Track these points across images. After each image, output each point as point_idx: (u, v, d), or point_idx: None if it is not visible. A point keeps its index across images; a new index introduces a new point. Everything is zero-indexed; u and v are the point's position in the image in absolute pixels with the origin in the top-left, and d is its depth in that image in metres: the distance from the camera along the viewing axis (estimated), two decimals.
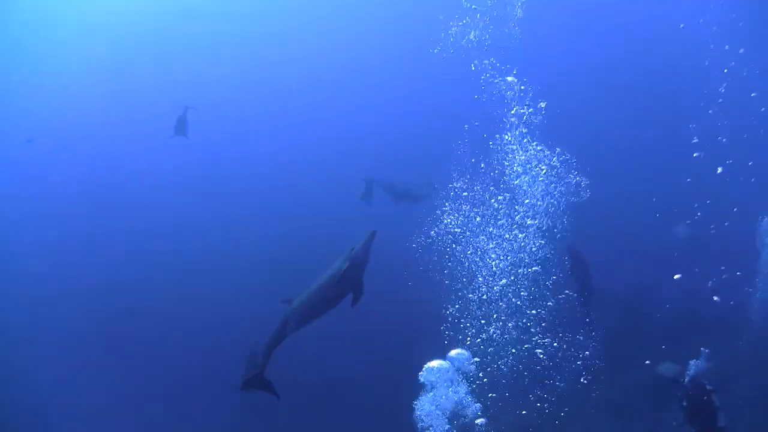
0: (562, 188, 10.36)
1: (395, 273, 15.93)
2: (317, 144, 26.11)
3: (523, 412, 12.91)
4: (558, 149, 10.27)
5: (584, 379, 11.90)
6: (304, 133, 27.21)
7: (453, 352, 9.32)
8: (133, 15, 27.34)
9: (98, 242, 23.02)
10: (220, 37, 27.93)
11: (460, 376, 9.30)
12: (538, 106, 10.35)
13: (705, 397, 8.12)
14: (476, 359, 9.76)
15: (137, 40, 27.53)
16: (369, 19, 27.25)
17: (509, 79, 10.73)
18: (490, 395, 10.40)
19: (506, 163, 10.38)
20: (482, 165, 10.87)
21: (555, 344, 10.98)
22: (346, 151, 24.88)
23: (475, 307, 10.56)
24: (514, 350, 10.74)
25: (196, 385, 16.71)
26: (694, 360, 8.73)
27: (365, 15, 27.14)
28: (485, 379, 10.18)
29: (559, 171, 10.30)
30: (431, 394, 9.20)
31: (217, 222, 23.18)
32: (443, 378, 9.20)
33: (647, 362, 12.43)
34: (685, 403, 8.34)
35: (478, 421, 9.60)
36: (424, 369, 9.18)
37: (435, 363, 9.23)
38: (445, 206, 10.79)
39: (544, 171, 10.22)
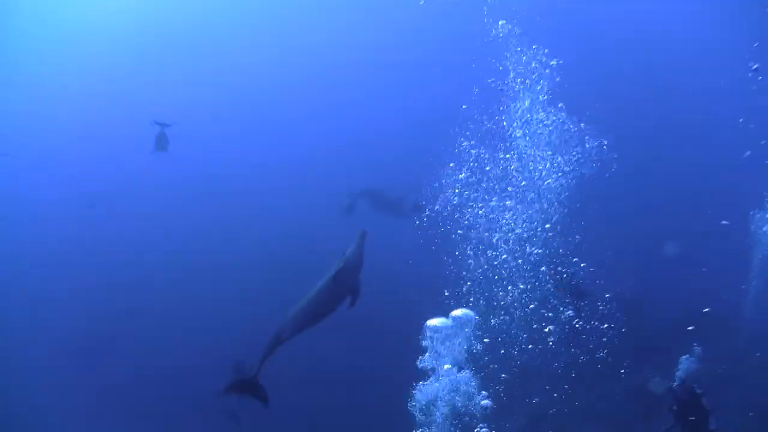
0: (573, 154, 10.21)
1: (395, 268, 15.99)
2: (315, 143, 26.16)
3: (535, 400, 12.93)
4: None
5: (574, 385, 11.83)
6: (302, 132, 27.25)
7: (456, 312, 8.92)
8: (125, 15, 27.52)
9: (95, 244, 23.00)
10: (215, 38, 28.03)
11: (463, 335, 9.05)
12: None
13: (695, 401, 8.19)
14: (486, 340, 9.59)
15: (130, 40, 27.66)
16: (366, 16, 27.32)
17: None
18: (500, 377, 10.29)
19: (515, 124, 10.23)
20: (488, 124, 10.70)
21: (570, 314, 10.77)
22: (342, 150, 24.96)
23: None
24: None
25: (195, 385, 16.67)
26: (687, 356, 8.79)
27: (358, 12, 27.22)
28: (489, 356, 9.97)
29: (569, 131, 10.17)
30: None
31: (215, 224, 23.23)
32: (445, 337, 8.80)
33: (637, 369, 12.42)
34: (675, 407, 8.39)
35: (484, 402, 9.48)
36: (424, 327, 8.77)
37: (436, 321, 8.88)
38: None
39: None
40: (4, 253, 22.60)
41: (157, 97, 24.41)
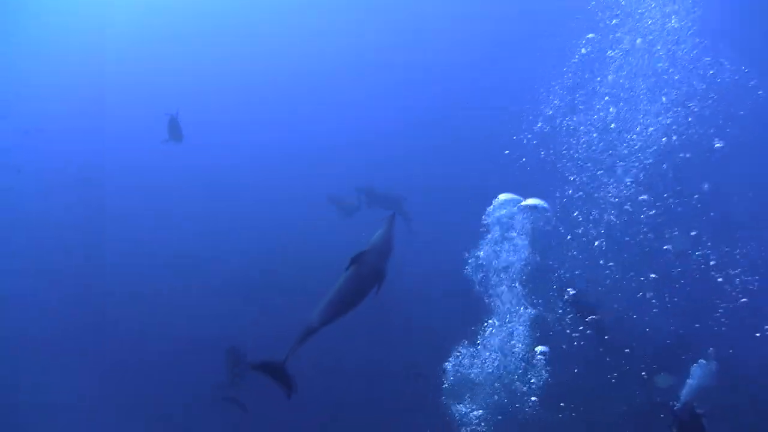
0: None
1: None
2: (315, 143, 26.11)
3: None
4: None
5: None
6: (302, 131, 27.24)
7: (528, 201, 8.30)
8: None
9: (88, 245, 22.94)
10: (210, 37, 28.03)
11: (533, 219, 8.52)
12: None
13: (695, 422, 8.09)
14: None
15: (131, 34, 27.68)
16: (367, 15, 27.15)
17: None
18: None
19: None
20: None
21: None
22: (342, 149, 24.84)
23: None
24: None
25: (198, 373, 16.62)
26: (702, 362, 8.67)
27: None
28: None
29: None
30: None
31: (215, 217, 23.28)
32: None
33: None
34: (675, 430, 8.31)
35: (538, 349, 9.25)
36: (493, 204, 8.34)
37: (506, 195, 8.41)
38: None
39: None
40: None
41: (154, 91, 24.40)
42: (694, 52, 10.05)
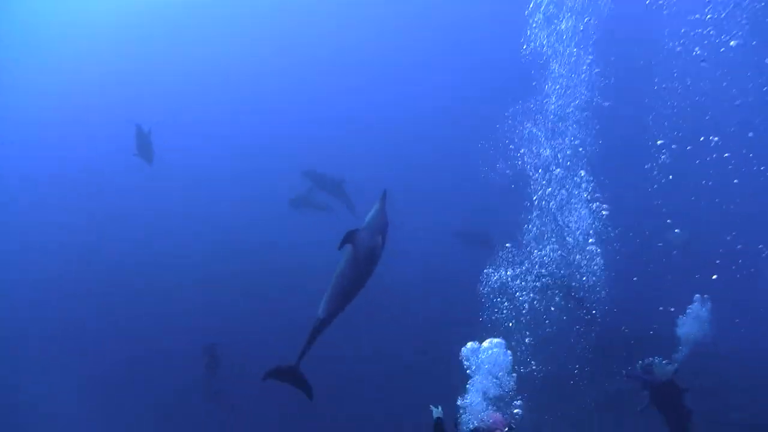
0: None
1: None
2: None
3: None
4: None
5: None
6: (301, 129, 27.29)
7: None
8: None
9: (84, 247, 22.99)
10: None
11: None
12: None
13: (669, 381, 8.12)
14: None
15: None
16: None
17: None
18: None
19: None
20: None
21: None
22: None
23: None
24: None
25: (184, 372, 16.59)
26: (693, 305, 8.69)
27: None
28: None
29: None
30: None
31: (209, 224, 23.33)
32: None
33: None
34: (647, 392, 8.34)
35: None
36: None
37: None
38: None
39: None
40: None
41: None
42: None
